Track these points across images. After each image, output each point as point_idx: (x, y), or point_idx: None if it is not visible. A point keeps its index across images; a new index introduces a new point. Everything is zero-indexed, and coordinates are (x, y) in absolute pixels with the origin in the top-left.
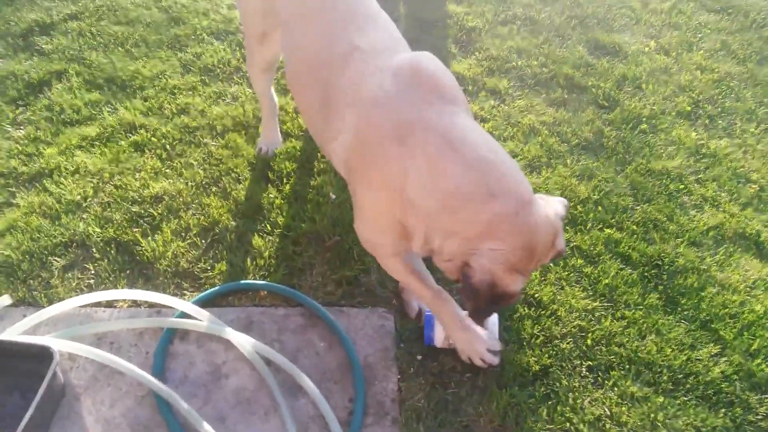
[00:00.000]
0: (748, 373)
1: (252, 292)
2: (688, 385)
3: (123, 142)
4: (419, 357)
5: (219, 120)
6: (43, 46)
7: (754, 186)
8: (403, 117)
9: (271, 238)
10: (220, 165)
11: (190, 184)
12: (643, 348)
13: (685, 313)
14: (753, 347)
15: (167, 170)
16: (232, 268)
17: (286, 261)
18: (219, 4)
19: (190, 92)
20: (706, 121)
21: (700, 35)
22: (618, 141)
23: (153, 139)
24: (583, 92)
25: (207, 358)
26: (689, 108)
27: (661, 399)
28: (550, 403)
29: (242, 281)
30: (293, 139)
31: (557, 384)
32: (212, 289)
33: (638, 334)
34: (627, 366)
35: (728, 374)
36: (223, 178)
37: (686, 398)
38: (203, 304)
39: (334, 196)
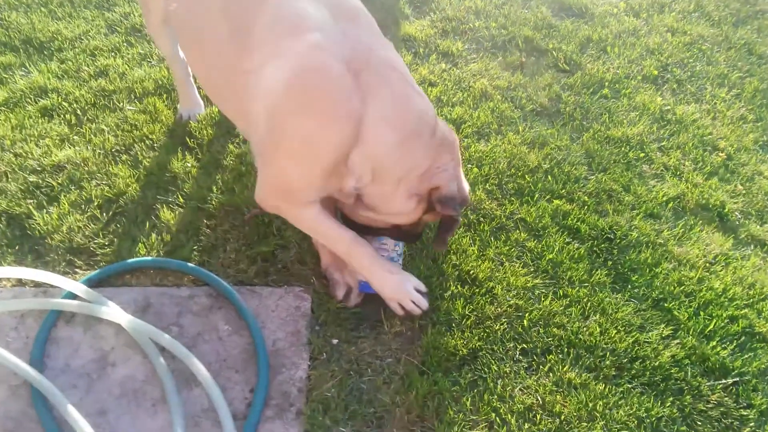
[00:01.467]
0: (701, 357)
1: (153, 271)
2: (633, 371)
3: (31, 108)
4: (335, 341)
5: (140, 83)
6: None
7: (721, 154)
8: (355, 51)
9: (182, 210)
10: (135, 131)
11: (98, 151)
12: (585, 329)
13: (636, 291)
14: (708, 328)
15: (75, 137)
16: (133, 245)
17: (197, 236)
18: None
19: (113, 54)
20: (674, 86)
21: None
22: (576, 107)
23: (64, 103)
24: (542, 55)
25: (94, 343)
26: (656, 72)
27: (601, 386)
28: (476, 391)
29: (131, 260)
30: None
31: (486, 369)
32: (106, 267)
33: (581, 314)
34: (566, 349)
35: (679, 358)
36: (136, 145)
37: (630, 385)
38: (95, 284)
39: None
